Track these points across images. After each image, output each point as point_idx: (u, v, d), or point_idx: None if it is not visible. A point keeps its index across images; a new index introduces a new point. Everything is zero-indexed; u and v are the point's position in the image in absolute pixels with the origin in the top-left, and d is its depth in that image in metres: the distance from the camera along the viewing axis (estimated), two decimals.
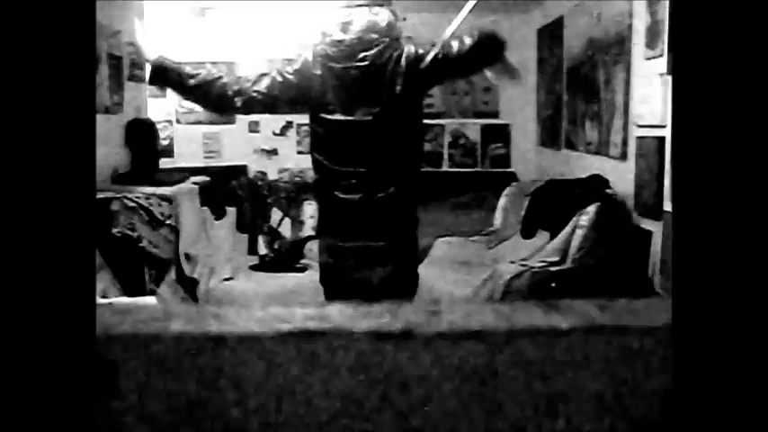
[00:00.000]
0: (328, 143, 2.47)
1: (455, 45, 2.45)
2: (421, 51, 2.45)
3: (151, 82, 2.56)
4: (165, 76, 2.51)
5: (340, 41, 2.40)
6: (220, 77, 2.49)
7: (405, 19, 2.92)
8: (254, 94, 2.47)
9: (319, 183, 2.53)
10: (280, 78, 2.47)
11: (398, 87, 2.41)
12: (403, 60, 2.41)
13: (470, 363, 0.53)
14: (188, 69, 2.51)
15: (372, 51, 2.39)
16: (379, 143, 2.43)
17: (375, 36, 2.40)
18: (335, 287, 2.54)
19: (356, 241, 2.45)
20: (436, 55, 2.43)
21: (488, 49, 2.53)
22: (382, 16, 2.43)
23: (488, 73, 2.62)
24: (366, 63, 2.39)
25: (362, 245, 2.45)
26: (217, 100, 2.51)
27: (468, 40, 2.46)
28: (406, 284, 2.54)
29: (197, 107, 6.80)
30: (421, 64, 2.43)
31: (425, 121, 2.71)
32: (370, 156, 2.43)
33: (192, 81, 2.48)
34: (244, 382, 0.53)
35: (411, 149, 2.54)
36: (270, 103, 2.52)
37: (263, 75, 2.50)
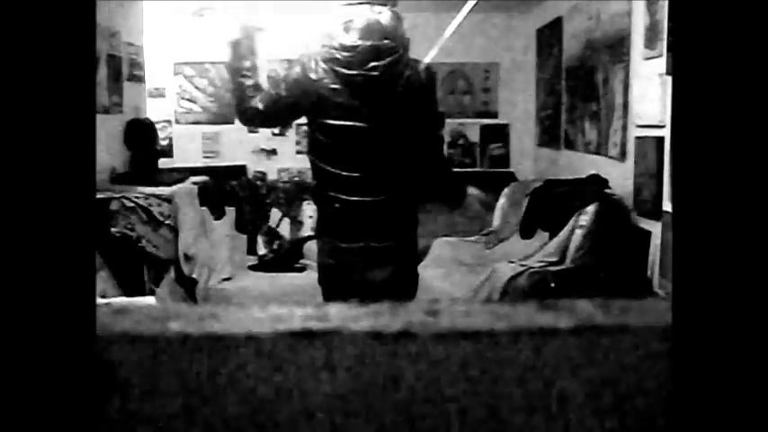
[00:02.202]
0: (330, 148, 2.45)
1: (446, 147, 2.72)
2: (430, 80, 2.50)
3: (233, 44, 2.56)
4: (239, 51, 2.53)
5: (353, 47, 2.35)
6: (252, 94, 2.52)
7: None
8: (253, 111, 2.51)
9: (320, 187, 2.51)
10: (274, 94, 2.47)
11: (404, 102, 2.41)
12: (413, 79, 2.41)
13: (470, 363, 0.53)
14: (252, 65, 2.52)
15: (383, 62, 2.35)
16: (382, 149, 2.43)
17: (384, 42, 2.37)
18: (334, 288, 2.54)
19: (357, 243, 2.45)
20: (440, 117, 2.61)
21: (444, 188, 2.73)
22: (384, 16, 2.38)
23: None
24: (375, 73, 2.35)
25: (363, 246, 2.44)
26: (238, 110, 2.59)
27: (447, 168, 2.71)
28: (406, 286, 2.54)
29: (195, 107, 6.79)
30: (428, 102, 2.51)
31: None
32: (373, 161, 2.42)
33: (247, 81, 2.50)
34: (243, 382, 0.53)
35: (413, 154, 2.54)
36: (266, 119, 2.60)
37: (262, 89, 2.52)
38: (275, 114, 2.52)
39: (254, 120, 2.59)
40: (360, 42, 2.35)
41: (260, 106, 2.47)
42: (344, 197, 2.42)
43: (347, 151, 2.42)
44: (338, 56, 2.37)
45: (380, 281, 2.43)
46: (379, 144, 2.41)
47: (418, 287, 2.65)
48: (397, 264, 2.49)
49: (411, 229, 2.57)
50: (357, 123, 2.38)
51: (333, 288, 2.54)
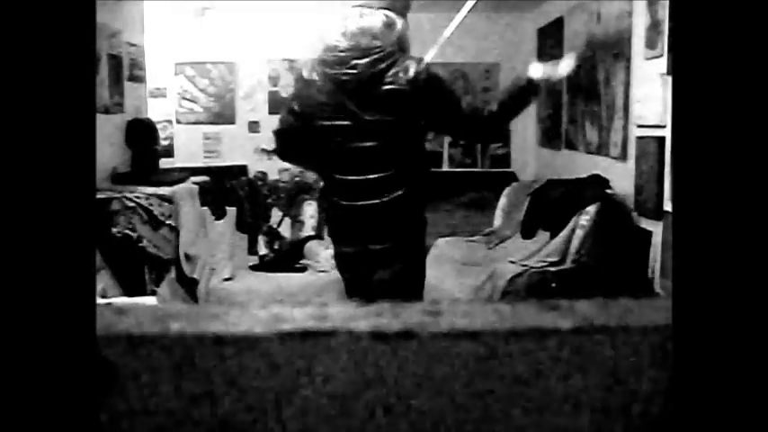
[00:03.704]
0: (326, 149, 2.48)
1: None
2: (422, 76, 2.39)
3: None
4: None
5: (335, 47, 2.40)
6: None
7: None
8: (277, 130, 2.62)
9: (323, 191, 2.58)
10: (289, 108, 2.56)
11: (393, 100, 2.38)
12: (401, 75, 2.36)
13: (470, 363, 0.53)
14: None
15: (364, 60, 2.35)
16: (373, 147, 2.42)
17: (372, 42, 2.38)
18: (351, 287, 2.60)
19: (354, 246, 2.48)
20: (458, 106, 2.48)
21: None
22: (374, 19, 2.40)
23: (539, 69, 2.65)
24: (356, 71, 2.36)
25: (360, 249, 2.47)
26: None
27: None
28: (411, 286, 2.55)
29: (196, 107, 6.78)
30: (431, 98, 2.42)
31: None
32: (364, 161, 2.42)
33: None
34: (243, 382, 0.53)
35: (414, 152, 2.53)
36: (287, 135, 2.60)
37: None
38: (294, 131, 2.55)
39: (281, 140, 2.62)
40: (345, 43, 2.40)
41: (279, 125, 2.59)
42: (342, 202, 2.46)
43: (339, 152, 2.44)
44: (325, 57, 2.43)
45: (383, 282, 2.45)
46: (368, 142, 2.41)
47: None
48: (398, 265, 2.49)
49: (414, 230, 2.56)
50: (344, 122, 2.40)
51: (350, 287, 2.63)
